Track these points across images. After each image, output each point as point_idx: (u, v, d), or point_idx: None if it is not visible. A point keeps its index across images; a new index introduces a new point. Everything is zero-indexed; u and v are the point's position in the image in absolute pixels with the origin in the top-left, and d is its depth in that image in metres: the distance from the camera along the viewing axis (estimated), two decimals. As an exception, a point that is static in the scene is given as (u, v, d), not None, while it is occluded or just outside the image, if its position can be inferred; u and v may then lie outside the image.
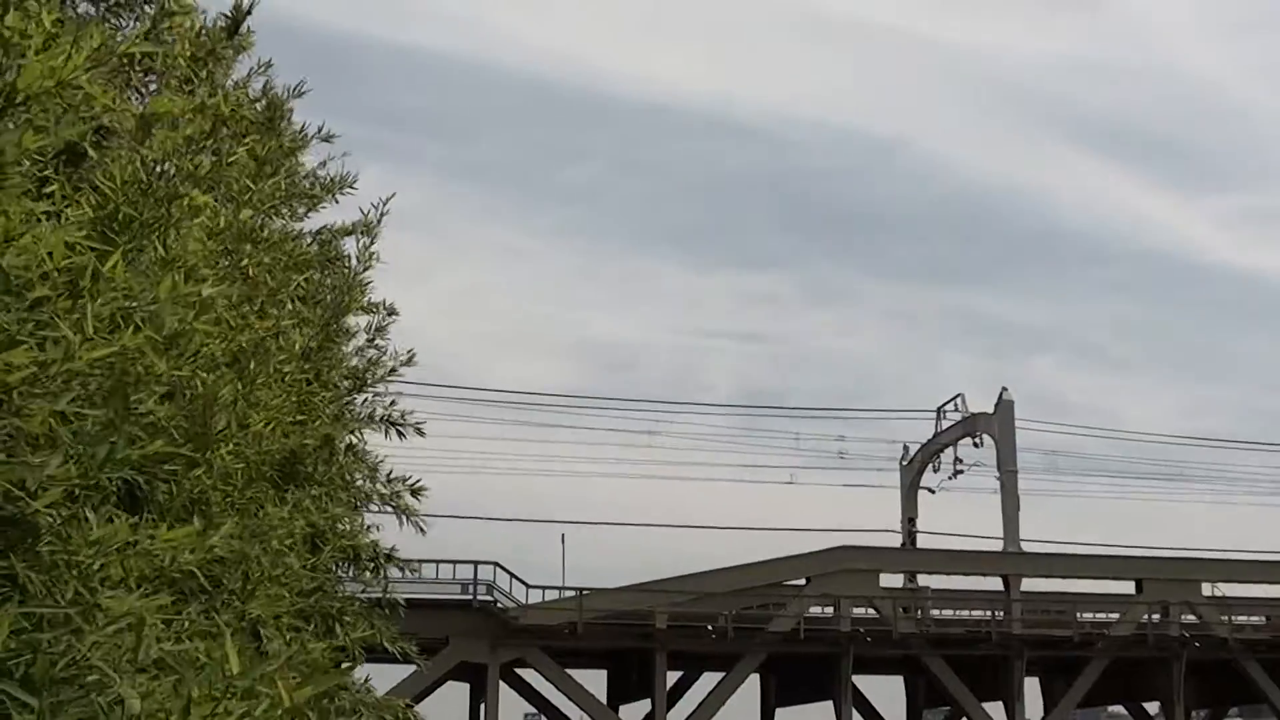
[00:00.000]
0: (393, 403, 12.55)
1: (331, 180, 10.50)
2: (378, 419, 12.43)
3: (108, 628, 3.25)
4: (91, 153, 5.04)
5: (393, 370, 12.42)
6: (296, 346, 7.93)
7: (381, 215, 11.16)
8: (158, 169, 5.36)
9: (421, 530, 12.89)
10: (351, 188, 10.66)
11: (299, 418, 8.15)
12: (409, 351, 12.52)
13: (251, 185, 6.98)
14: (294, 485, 9.10)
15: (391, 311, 12.15)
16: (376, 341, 12.21)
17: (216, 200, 6.41)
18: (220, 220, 6.40)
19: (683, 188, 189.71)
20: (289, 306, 8.55)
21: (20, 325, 3.59)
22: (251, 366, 6.50)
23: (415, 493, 12.84)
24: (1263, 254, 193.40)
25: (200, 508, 5.74)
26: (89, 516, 3.46)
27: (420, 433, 12.82)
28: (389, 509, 12.76)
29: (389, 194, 11.15)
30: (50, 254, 3.93)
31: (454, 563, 47.45)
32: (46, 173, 4.56)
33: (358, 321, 11.90)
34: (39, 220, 4.13)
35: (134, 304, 4.23)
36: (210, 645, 3.23)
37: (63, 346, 3.64)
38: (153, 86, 6.50)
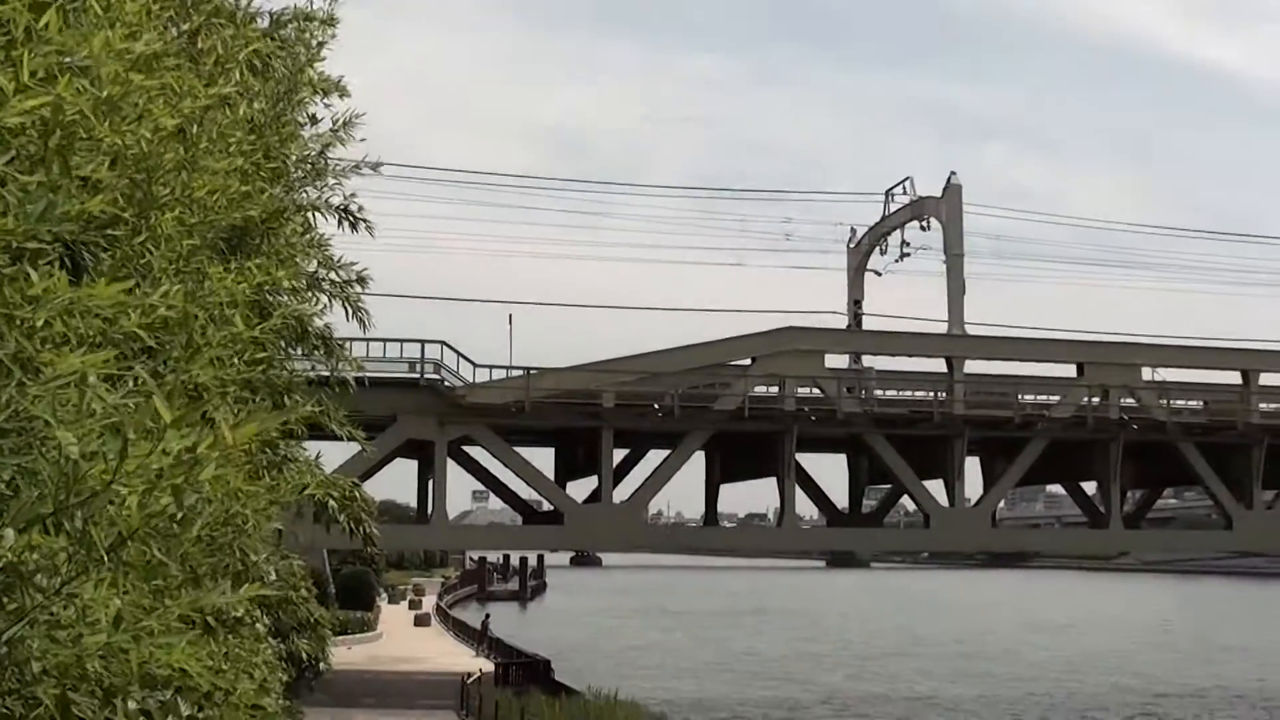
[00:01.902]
0: (353, 195, 12.44)
1: None
2: (332, 206, 12.33)
3: (51, 384, 3.21)
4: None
5: (356, 167, 12.26)
6: (242, 112, 7.77)
7: None
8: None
9: (364, 325, 12.87)
10: None
11: (244, 189, 8.01)
12: (379, 161, 12.35)
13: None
14: (240, 256, 9.01)
15: (344, 93, 11.94)
16: (340, 134, 12.02)
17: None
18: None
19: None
20: (237, 76, 8.35)
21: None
22: (195, 132, 6.36)
23: (362, 281, 12.79)
24: (1220, 47, 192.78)
25: (143, 274, 5.67)
26: (29, 273, 3.40)
27: (370, 233, 12.74)
28: (336, 299, 12.72)
29: None
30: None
31: (401, 341, 47.50)
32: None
33: (320, 110, 11.70)
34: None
35: (69, 59, 4.09)
36: (152, 404, 3.21)
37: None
38: None
